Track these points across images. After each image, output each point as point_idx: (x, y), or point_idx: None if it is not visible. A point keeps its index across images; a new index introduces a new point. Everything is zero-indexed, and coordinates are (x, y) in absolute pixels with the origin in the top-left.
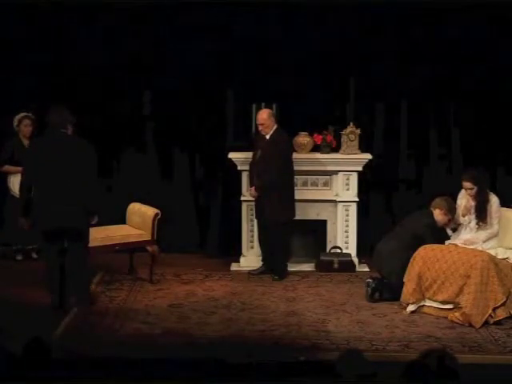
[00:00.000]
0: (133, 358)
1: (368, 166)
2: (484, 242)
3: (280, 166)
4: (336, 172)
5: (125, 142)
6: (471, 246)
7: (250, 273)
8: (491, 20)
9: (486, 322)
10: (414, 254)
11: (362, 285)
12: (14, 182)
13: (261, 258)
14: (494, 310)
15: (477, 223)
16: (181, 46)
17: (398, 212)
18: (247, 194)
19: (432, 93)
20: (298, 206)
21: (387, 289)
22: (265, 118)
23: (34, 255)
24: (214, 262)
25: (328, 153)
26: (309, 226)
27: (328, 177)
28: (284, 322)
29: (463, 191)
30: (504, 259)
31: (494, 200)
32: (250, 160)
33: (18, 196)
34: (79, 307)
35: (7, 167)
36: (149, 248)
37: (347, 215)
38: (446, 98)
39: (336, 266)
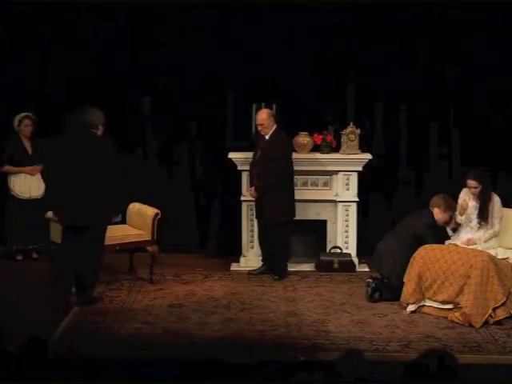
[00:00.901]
0: (133, 358)
1: (368, 165)
2: (485, 241)
3: (280, 166)
4: (336, 172)
5: (125, 142)
6: (471, 246)
7: (250, 273)
8: (491, 20)
9: (486, 322)
10: (414, 254)
11: (362, 285)
12: (15, 182)
13: (261, 258)
14: (494, 310)
15: (478, 223)
16: (181, 46)
17: (398, 212)
18: (247, 194)
19: (432, 93)
20: (298, 205)
21: (387, 289)
22: (264, 118)
23: (34, 255)
24: (214, 261)
25: (328, 153)
26: (309, 226)
27: (328, 177)
28: (284, 322)
29: (464, 190)
30: (504, 259)
31: (496, 200)
32: (250, 160)
33: (18, 196)
34: (82, 304)
35: (7, 167)
36: (149, 248)
37: (347, 215)
38: (446, 98)
39: (336, 266)
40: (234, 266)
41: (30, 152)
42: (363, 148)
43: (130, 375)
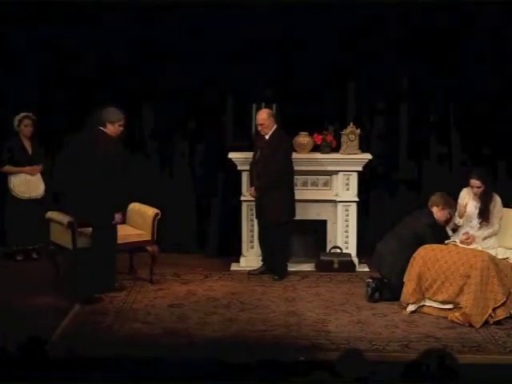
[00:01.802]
0: (133, 358)
1: (368, 165)
2: (484, 239)
3: (280, 166)
4: (336, 172)
5: (125, 142)
6: (471, 246)
7: (250, 273)
8: (491, 20)
9: (486, 322)
10: (414, 254)
11: (362, 285)
12: (15, 182)
13: (261, 257)
14: (494, 310)
15: (479, 222)
16: (181, 47)
17: (398, 212)
18: (247, 194)
19: (432, 93)
20: (298, 205)
21: (387, 289)
22: (264, 118)
23: (34, 255)
24: (214, 261)
25: (328, 153)
26: (309, 226)
27: (328, 177)
28: (284, 322)
29: (465, 190)
30: (504, 259)
31: (498, 200)
32: (250, 160)
33: (18, 196)
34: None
35: (7, 167)
36: (149, 248)
37: (347, 215)
38: (446, 98)
39: (336, 266)
40: (233, 266)
41: (30, 152)
42: (363, 148)
43: (129, 375)
